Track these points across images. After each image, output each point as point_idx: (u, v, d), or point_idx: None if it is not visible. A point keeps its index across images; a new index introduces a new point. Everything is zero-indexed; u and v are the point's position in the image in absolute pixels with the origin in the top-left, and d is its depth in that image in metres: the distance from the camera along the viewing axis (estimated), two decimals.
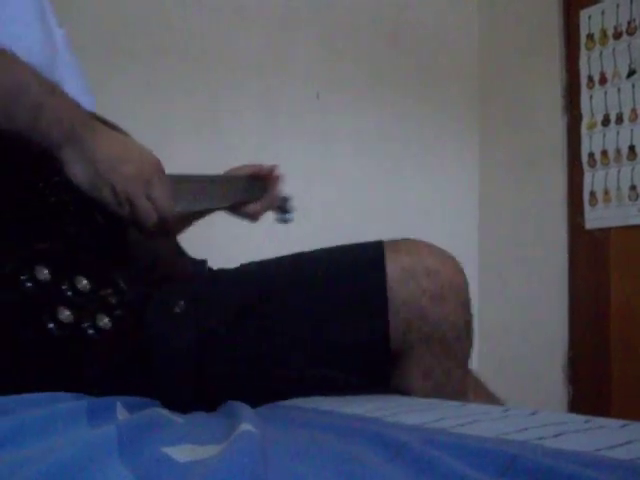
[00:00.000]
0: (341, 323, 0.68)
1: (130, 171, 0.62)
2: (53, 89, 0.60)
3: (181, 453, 0.37)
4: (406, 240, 0.74)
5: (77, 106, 0.62)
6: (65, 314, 0.54)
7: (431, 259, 0.70)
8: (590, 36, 1.89)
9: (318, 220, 1.75)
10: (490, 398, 0.79)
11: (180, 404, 0.60)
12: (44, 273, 0.54)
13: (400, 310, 0.67)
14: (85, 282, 0.57)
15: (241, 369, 0.65)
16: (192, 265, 0.76)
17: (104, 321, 0.56)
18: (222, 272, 0.75)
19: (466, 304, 0.71)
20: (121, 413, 0.49)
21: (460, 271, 0.72)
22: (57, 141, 0.59)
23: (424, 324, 0.67)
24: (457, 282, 0.70)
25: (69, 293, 0.56)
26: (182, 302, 0.66)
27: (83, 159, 0.60)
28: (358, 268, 0.70)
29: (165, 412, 0.53)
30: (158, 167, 0.66)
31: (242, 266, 0.75)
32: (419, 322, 0.67)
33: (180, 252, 0.79)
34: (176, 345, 0.65)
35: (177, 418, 0.52)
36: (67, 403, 0.47)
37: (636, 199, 1.76)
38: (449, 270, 0.70)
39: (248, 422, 0.43)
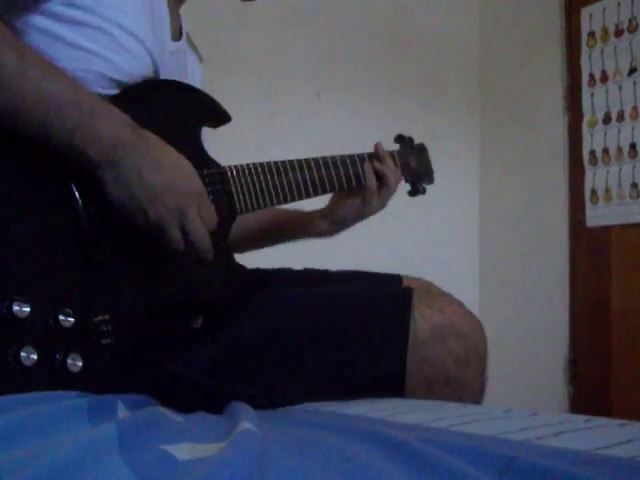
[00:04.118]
0: (358, 373, 0.68)
1: (167, 203, 0.61)
2: (94, 108, 0.59)
3: (181, 451, 0.37)
4: (437, 295, 0.75)
5: (125, 126, 0.60)
6: (29, 355, 0.53)
7: (461, 320, 0.70)
8: (591, 34, 1.88)
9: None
10: None
11: (183, 410, 0.60)
12: (23, 310, 0.53)
13: (423, 369, 0.67)
14: (72, 315, 0.56)
15: (251, 393, 0.65)
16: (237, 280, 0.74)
17: (76, 363, 0.55)
18: (255, 292, 0.74)
19: (485, 370, 0.72)
20: (122, 411, 0.49)
21: (484, 337, 0.72)
22: (94, 161, 0.59)
23: (445, 386, 0.68)
24: (481, 348, 0.71)
25: (47, 329, 0.54)
26: (200, 318, 0.66)
27: (120, 182, 0.59)
28: (383, 320, 0.70)
29: (165, 411, 0.53)
30: (198, 197, 0.64)
31: (274, 291, 0.74)
32: (441, 383, 0.68)
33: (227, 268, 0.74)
34: (188, 360, 0.65)
35: (177, 417, 0.52)
36: (67, 401, 0.47)
37: (637, 197, 1.76)
38: (476, 334, 0.71)
39: (248, 421, 0.43)
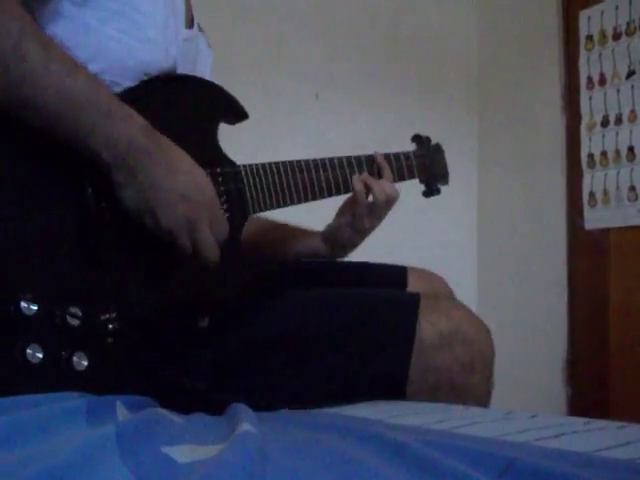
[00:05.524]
0: (361, 375, 0.69)
1: (178, 212, 0.60)
2: (111, 110, 0.58)
3: (181, 453, 0.37)
4: (444, 299, 0.75)
5: (141, 129, 0.59)
6: (34, 353, 0.53)
7: (468, 326, 0.70)
8: (589, 37, 1.89)
9: (319, 220, 1.74)
10: None
11: (183, 411, 0.60)
12: (31, 307, 0.53)
13: (428, 377, 0.68)
14: (79, 314, 0.56)
15: (254, 396, 0.64)
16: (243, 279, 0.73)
17: (81, 362, 0.55)
18: (262, 292, 0.73)
19: (491, 376, 0.72)
20: (121, 412, 0.49)
21: (491, 342, 0.72)
22: (108, 163, 0.58)
23: (450, 392, 0.68)
24: (488, 354, 0.71)
25: (54, 327, 0.55)
26: (207, 318, 0.66)
27: (133, 186, 0.59)
28: (389, 324, 0.70)
29: (165, 412, 0.53)
30: (211, 208, 0.63)
31: (280, 292, 0.74)
32: (446, 389, 0.68)
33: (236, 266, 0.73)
34: (193, 360, 0.65)
35: (177, 418, 0.52)
36: (66, 403, 0.47)
37: (635, 200, 1.76)
38: (483, 340, 0.71)
39: (248, 422, 0.43)
